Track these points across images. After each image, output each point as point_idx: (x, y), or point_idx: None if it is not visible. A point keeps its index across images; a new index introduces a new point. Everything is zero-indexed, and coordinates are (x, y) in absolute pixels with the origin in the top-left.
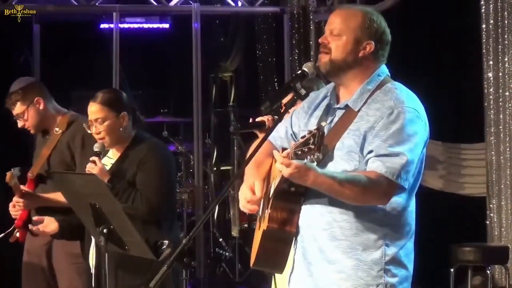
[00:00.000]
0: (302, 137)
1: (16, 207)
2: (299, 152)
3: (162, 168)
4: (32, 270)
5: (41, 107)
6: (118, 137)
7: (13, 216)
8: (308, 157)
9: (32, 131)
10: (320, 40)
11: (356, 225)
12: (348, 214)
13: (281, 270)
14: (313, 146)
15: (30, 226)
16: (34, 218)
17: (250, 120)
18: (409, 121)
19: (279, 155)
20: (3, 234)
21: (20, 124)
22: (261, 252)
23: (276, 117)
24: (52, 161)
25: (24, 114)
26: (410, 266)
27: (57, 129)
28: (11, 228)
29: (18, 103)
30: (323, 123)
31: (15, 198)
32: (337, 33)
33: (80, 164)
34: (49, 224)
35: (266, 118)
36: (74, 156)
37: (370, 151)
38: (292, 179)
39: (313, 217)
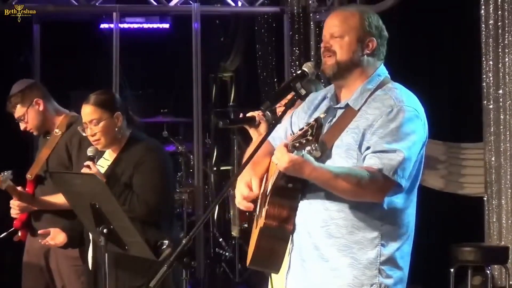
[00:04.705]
0: (300, 129)
1: (13, 210)
2: (297, 144)
3: (159, 168)
4: (31, 270)
5: (41, 108)
6: (114, 138)
7: (13, 217)
8: (307, 148)
9: (34, 133)
10: (322, 45)
11: (352, 223)
12: (345, 212)
13: (277, 270)
14: (311, 138)
15: (40, 240)
16: (40, 231)
17: (241, 115)
18: (407, 120)
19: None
20: (4, 234)
21: (22, 126)
22: (257, 250)
23: (268, 113)
24: (50, 162)
25: (25, 116)
26: (406, 268)
27: (57, 130)
28: (12, 228)
29: (18, 106)
30: (321, 115)
31: (12, 201)
32: (339, 34)
33: (76, 165)
34: (57, 236)
35: (256, 114)
36: (71, 158)
37: (368, 148)
38: (288, 172)
39: (310, 214)
